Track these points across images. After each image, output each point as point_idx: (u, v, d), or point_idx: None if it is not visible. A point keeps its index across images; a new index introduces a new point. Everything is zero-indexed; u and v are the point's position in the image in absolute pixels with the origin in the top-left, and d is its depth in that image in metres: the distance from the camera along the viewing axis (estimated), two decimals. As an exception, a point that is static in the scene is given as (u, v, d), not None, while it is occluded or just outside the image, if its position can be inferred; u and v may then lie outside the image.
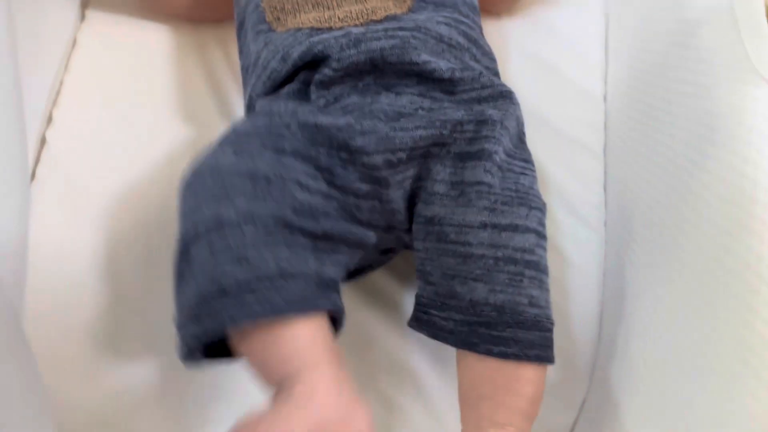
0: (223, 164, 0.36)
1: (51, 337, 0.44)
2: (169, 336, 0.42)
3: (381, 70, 0.41)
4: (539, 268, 0.39)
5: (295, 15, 0.44)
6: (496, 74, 0.48)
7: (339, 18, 0.43)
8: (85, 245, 0.47)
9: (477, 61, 0.46)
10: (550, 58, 0.60)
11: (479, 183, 0.39)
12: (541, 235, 0.40)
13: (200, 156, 0.37)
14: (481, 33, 0.49)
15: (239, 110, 0.55)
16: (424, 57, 0.41)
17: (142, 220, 0.49)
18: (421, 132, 0.39)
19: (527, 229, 0.39)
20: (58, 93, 0.53)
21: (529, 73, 0.60)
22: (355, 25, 0.42)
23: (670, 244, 0.39)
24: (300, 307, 0.33)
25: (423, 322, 0.41)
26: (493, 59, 0.48)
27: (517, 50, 0.61)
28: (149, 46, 0.57)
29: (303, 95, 0.42)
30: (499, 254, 0.38)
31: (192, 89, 0.56)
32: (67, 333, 0.45)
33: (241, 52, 0.48)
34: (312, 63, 0.41)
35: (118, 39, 0.56)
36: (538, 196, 0.41)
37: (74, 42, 0.56)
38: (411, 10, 0.44)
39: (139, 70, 0.56)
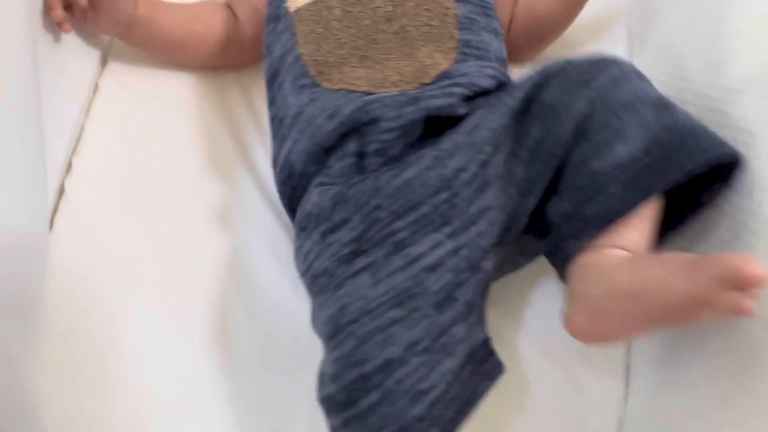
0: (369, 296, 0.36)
1: (64, 390, 0.42)
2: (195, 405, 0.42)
3: (434, 125, 0.42)
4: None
5: (340, 68, 0.44)
6: None
7: (392, 82, 0.43)
8: (103, 303, 0.46)
9: None
10: None
11: None
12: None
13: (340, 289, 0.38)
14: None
15: (261, 160, 0.54)
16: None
17: (162, 277, 0.47)
18: None
19: None
20: (78, 140, 0.52)
21: None
22: (409, 90, 0.42)
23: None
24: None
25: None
26: None
27: None
28: (170, 93, 0.56)
29: (357, 168, 0.42)
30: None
31: (214, 138, 0.56)
32: (81, 384, 0.43)
33: (272, 103, 0.48)
34: (362, 123, 0.41)
35: (140, 85, 0.56)
36: None
37: (96, 87, 0.55)
38: (457, 62, 0.44)
39: (160, 118, 0.55)
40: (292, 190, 0.45)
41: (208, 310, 0.47)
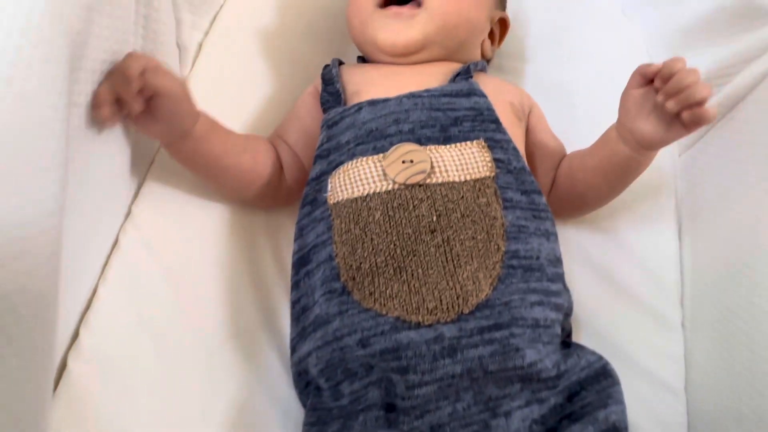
0: None
1: None
2: None
3: (480, 381, 0.37)
4: None
5: (373, 278, 0.40)
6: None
7: (428, 310, 0.39)
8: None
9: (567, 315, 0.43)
10: (620, 275, 0.57)
11: None
12: None
13: None
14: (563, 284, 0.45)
15: (285, 326, 0.49)
16: (528, 358, 0.37)
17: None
18: None
19: None
20: (88, 307, 0.47)
21: (598, 291, 0.56)
22: (446, 322, 0.38)
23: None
24: None
25: None
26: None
27: (584, 263, 0.57)
28: (193, 253, 0.52)
29: (385, 423, 0.37)
30: None
31: (237, 295, 0.51)
32: None
33: (297, 287, 0.46)
34: (391, 369, 0.37)
35: (162, 242, 0.51)
36: None
37: (116, 243, 0.51)
38: (500, 279, 0.40)
39: (180, 280, 0.50)
40: (305, 385, 0.43)
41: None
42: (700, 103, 0.43)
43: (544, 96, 0.68)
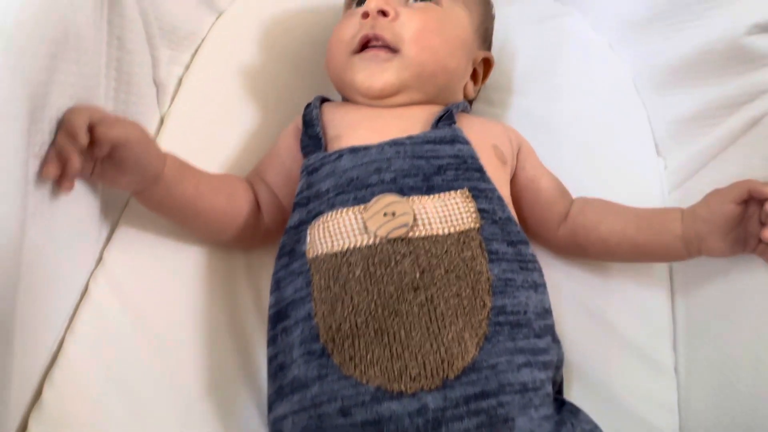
0: None
1: None
2: None
3: None
4: None
5: (353, 341, 0.38)
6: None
7: (411, 377, 0.37)
8: None
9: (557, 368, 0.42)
10: (610, 316, 0.55)
11: None
12: None
13: None
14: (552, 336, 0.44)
15: (265, 371, 0.46)
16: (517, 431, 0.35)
17: None
18: None
19: None
20: (53, 363, 0.44)
21: (588, 334, 0.55)
22: (430, 390, 0.36)
23: None
24: None
25: None
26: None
27: (574, 303, 0.56)
28: (169, 301, 0.49)
29: None
30: None
31: (215, 344, 0.49)
32: None
33: (273, 342, 0.43)
34: None
35: (136, 290, 0.49)
36: None
37: (85, 291, 0.48)
38: (487, 338, 0.38)
39: (155, 332, 0.48)
40: None
41: None
42: None
43: (531, 130, 0.66)
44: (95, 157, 0.41)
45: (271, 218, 0.53)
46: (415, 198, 0.43)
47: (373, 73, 0.52)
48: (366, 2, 0.54)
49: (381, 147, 0.47)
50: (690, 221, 0.48)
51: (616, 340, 0.54)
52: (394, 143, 0.47)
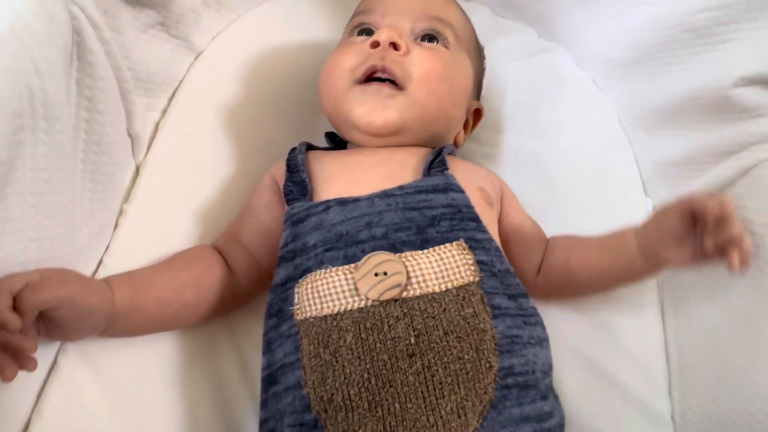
0: None
1: None
2: None
3: None
4: None
5: (347, 413, 0.36)
6: None
7: None
8: None
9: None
10: (605, 363, 0.54)
11: None
12: None
13: None
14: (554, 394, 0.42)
15: None
16: None
17: None
18: None
19: None
20: None
21: (584, 382, 0.54)
22: None
23: None
24: None
25: None
26: None
27: (569, 352, 0.55)
28: (146, 373, 0.47)
29: None
30: None
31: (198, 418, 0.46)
32: None
33: (264, 405, 0.41)
34: None
35: (109, 362, 0.46)
36: None
37: (54, 364, 0.44)
38: (492, 405, 0.36)
39: (131, 408, 0.45)
40: None
41: None
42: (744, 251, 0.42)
43: (519, 169, 0.66)
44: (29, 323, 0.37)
45: (249, 280, 0.51)
46: (408, 254, 0.41)
47: (375, 109, 0.49)
48: (377, 32, 0.51)
49: (371, 199, 0.45)
50: (643, 236, 0.48)
51: (611, 386, 0.53)
52: (385, 195, 0.45)
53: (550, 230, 0.58)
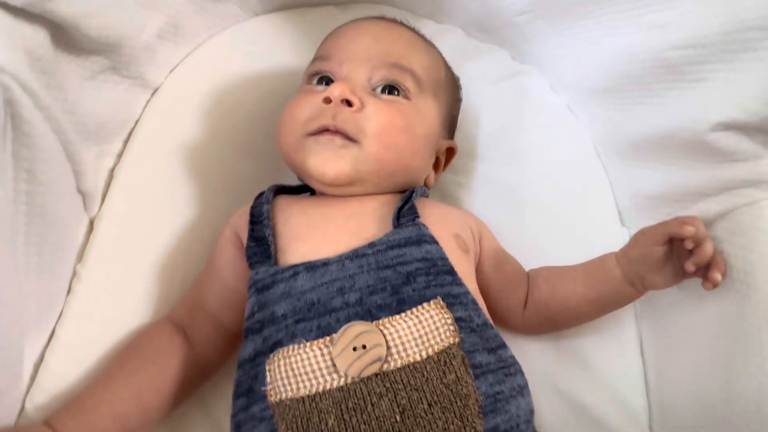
0: None
1: None
2: None
3: None
4: None
5: None
6: None
7: None
8: None
9: None
10: (583, 398, 0.54)
11: None
12: None
13: None
14: None
15: None
16: None
17: None
18: None
19: None
20: None
21: (563, 418, 0.53)
22: None
23: None
24: None
25: None
26: None
27: (548, 388, 0.55)
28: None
29: None
30: None
31: None
32: None
33: None
34: None
35: None
36: None
37: None
38: None
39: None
40: None
41: None
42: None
43: (495, 197, 0.65)
44: None
45: (219, 351, 0.48)
46: (386, 321, 0.39)
47: (327, 159, 0.47)
48: (330, 87, 0.49)
49: (341, 262, 0.42)
50: (625, 264, 0.50)
51: (591, 423, 0.53)
52: (356, 255, 0.43)
53: (524, 259, 0.57)
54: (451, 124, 0.60)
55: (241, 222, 0.50)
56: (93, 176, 0.48)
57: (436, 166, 0.58)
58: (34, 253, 0.39)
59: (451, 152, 0.59)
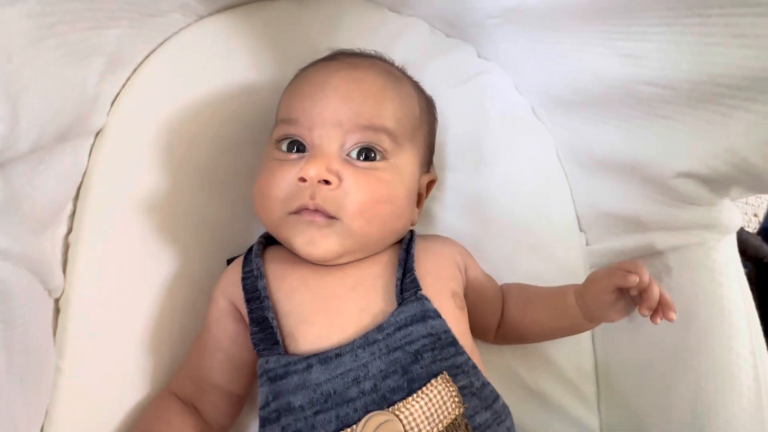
0: None
1: None
2: None
3: None
4: None
5: None
6: None
7: None
8: None
9: None
10: (545, 388, 0.62)
11: None
12: None
13: None
14: None
15: None
16: None
17: None
18: None
19: None
20: None
21: (527, 405, 0.61)
22: None
23: None
24: None
25: None
26: None
27: (515, 378, 0.62)
28: None
29: None
30: None
31: None
32: None
33: None
34: None
35: None
36: None
37: None
38: None
39: None
40: None
41: None
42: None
43: (463, 207, 0.66)
44: None
45: (231, 417, 0.49)
46: (401, 405, 0.42)
47: (313, 239, 0.47)
48: (305, 166, 0.46)
49: (354, 353, 0.44)
50: (582, 303, 0.54)
51: (552, 409, 0.61)
52: (367, 343, 0.44)
53: (491, 270, 0.60)
54: (430, 153, 0.59)
55: (234, 292, 0.49)
56: (51, 251, 0.43)
57: (419, 200, 0.57)
58: (17, 382, 0.37)
59: (431, 184, 0.59)
